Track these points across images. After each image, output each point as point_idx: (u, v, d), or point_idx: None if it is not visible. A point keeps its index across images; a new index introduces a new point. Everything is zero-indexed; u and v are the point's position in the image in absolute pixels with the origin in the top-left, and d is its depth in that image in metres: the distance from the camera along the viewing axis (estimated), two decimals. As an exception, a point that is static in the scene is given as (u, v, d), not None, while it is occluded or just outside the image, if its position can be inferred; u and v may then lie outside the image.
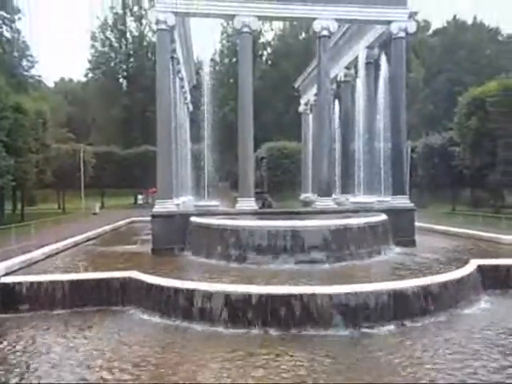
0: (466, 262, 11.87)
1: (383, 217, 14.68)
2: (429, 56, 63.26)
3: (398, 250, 14.65)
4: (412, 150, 38.07)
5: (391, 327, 8.85)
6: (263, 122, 54.53)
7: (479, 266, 11.77)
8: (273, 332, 8.64)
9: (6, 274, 11.15)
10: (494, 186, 32.13)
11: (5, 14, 45.12)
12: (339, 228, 12.82)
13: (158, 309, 9.85)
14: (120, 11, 67.14)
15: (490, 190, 35.25)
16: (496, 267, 12.09)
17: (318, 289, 9.16)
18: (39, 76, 53.79)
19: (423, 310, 9.38)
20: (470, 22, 68.36)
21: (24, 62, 49.09)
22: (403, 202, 16.75)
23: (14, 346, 8.16)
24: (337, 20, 16.38)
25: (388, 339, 8.33)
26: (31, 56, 49.48)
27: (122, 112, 64.12)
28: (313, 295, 8.90)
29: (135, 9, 67.80)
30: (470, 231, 18.67)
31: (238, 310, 8.98)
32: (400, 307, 9.16)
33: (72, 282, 10.70)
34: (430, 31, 71.72)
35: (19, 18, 46.76)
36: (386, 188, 17.69)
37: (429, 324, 9.07)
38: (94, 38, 67.28)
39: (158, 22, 15.52)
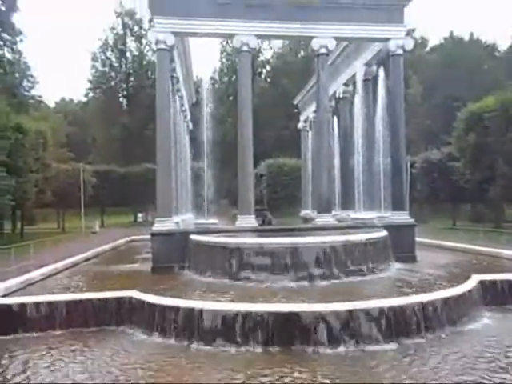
0: (467, 278, 11.77)
1: (383, 233, 14.59)
2: (427, 72, 63.81)
3: (398, 265, 14.52)
4: (411, 166, 38.15)
5: (393, 344, 8.72)
6: (263, 139, 54.70)
7: (481, 282, 11.68)
8: (274, 350, 8.54)
9: (5, 295, 11.06)
10: (494, 200, 32.09)
11: (6, 36, 45.71)
12: (339, 244, 12.73)
13: (158, 328, 9.73)
14: (120, 31, 68.01)
15: (490, 205, 35.20)
16: (498, 283, 11.97)
17: (318, 306, 9.08)
18: (40, 96, 54.10)
19: (425, 326, 9.24)
20: (466, 38, 69.18)
21: (25, 83, 49.33)
22: (403, 217, 16.68)
23: (8, 368, 8.02)
24: (335, 38, 16.59)
25: (390, 357, 8.20)
26: (32, 76, 49.77)
27: (122, 131, 64.33)
28: (313, 312, 8.82)
29: (135, 29, 68.70)
30: (471, 246, 18.57)
31: (240, 329, 8.87)
32: (401, 324, 9.05)
33: (70, 303, 10.58)
34: (428, 48, 72.54)
35: (21, 40, 47.36)
36: (387, 203, 17.65)
37: (431, 341, 8.94)
38: (94, 58, 68.02)
39: (157, 41, 15.70)
